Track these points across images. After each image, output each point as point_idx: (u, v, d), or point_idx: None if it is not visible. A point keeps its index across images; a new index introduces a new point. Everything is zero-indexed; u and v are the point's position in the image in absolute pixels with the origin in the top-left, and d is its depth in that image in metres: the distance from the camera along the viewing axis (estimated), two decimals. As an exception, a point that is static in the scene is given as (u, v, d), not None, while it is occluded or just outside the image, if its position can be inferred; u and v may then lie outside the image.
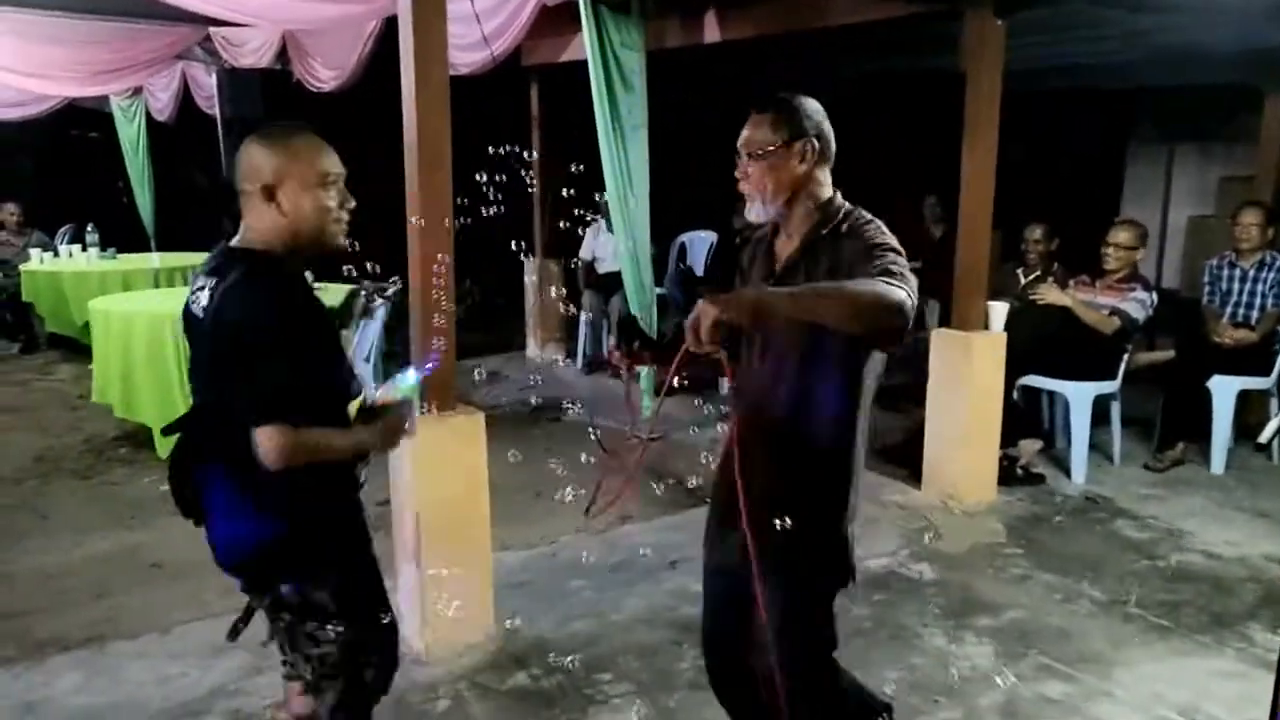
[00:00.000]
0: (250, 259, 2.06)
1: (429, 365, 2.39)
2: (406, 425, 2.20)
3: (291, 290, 2.07)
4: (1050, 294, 5.13)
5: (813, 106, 2.16)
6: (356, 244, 2.30)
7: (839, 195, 2.18)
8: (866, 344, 2.05)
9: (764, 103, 2.16)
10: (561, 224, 7.24)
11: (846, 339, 1.99)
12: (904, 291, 1.85)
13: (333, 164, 2.10)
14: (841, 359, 2.08)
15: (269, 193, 2.03)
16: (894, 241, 2.06)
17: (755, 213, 2.18)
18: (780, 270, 2.17)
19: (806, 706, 2.26)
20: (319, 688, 2.19)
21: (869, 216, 2.14)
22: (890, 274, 1.91)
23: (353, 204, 2.14)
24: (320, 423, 2.05)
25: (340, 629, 2.15)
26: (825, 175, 2.17)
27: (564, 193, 3.31)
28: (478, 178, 2.77)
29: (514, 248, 2.65)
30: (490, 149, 2.76)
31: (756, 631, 2.25)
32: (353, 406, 2.20)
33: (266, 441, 1.94)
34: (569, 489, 3.44)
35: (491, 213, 2.63)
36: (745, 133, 2.15)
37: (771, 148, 2.10)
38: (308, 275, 2.20)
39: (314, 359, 2.05)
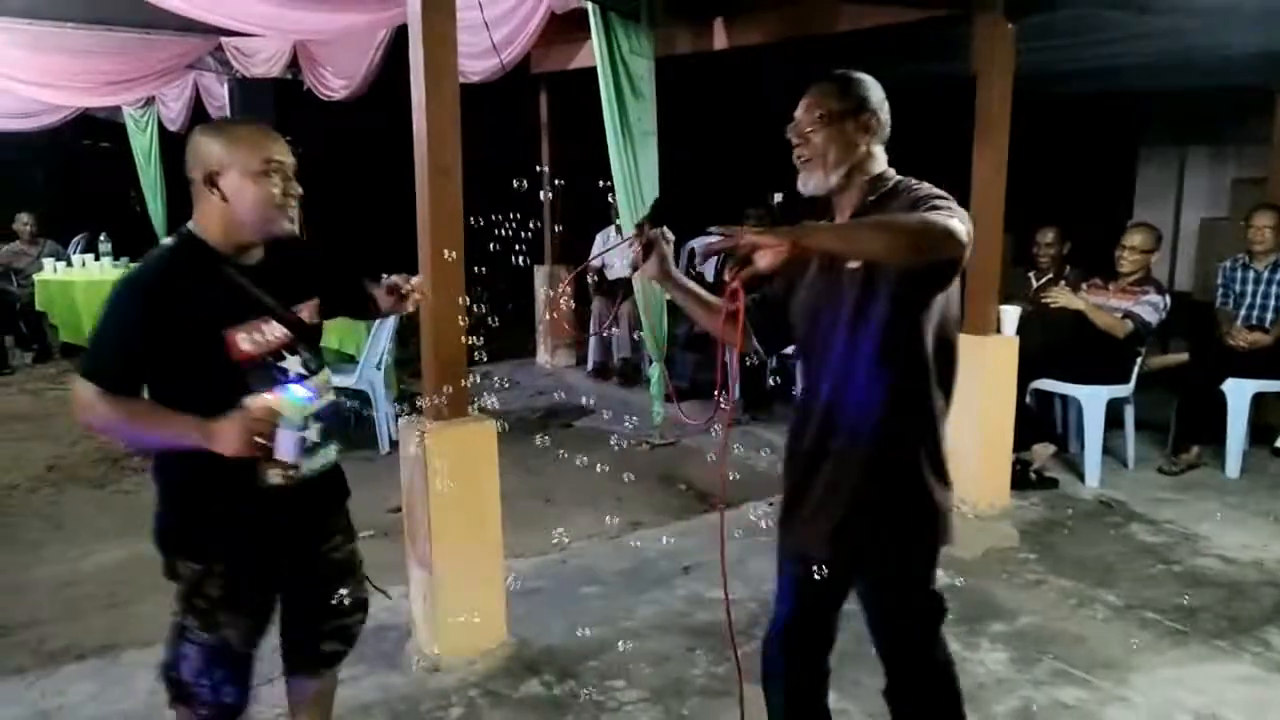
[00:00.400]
0: (179, 237, 2.15)
1: (314, 373, 2.24)
2: (266, 439, 2.02)
3: (182, 271, 2.09)
4: (1062, 297, 5.11)
5: (874, 83, 2.14)
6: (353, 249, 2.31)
7: (891, 171, 2.14)
8: (922, 281, 1.95)
9: (827, 75, 2.14)
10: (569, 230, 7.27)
11: (908, 290, 1.94)
12: (955, 219, 1.82)
13: (276, 151, 2.12)
14: (903, 313, 1.99)
15: (211, 181, 2.09)
16: (941, 192, 2.00)
17: (813, 184, 2.12)
18: None
19: (927, 681, 2.25)
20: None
21: (916, 182, 2.09)
22: (937, 209, 1.88)
23: (298, 192, 2.16)
24: (173, 405, 2.07)
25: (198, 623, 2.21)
26: (881, 152, 2.14)
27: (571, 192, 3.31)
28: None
29: (520, 257, 2.63)
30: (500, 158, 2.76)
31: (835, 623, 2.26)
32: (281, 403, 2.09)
33: (75, 393, 2.06)
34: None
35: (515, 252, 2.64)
36: (809, 99, 2.12)
37: (840, 114, 2.07)
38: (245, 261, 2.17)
39: (182, 343, 2.05)
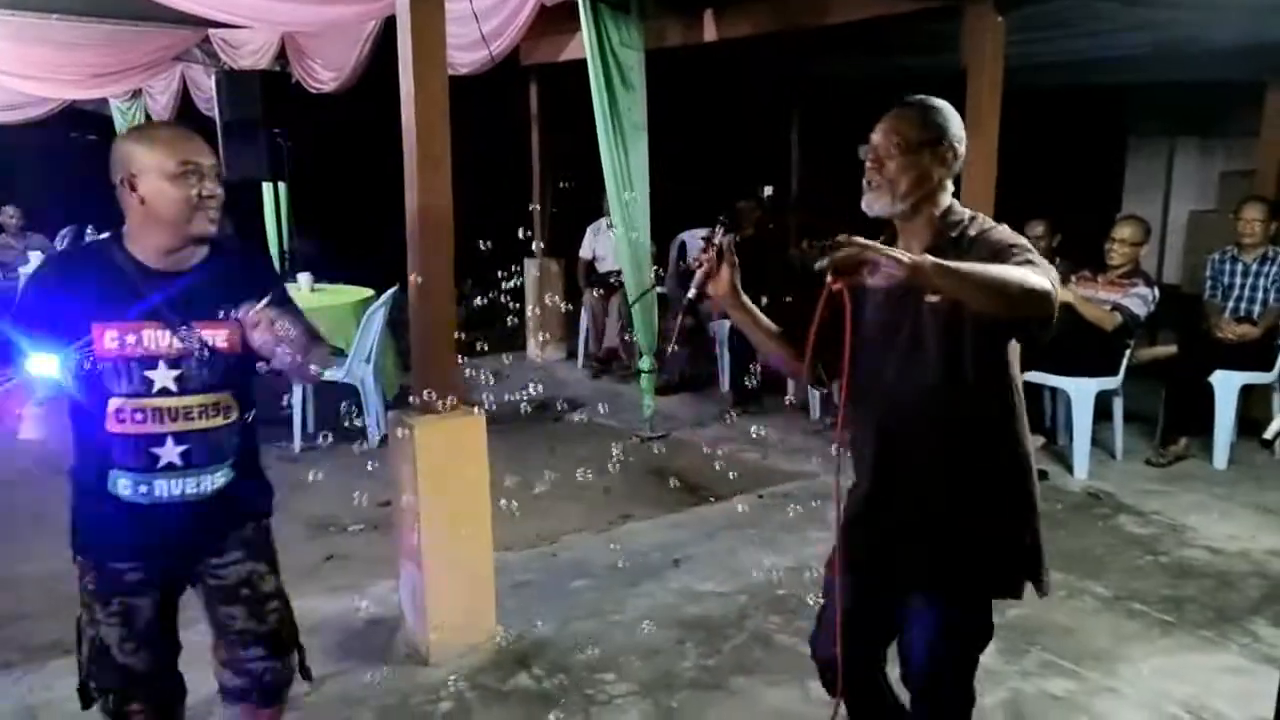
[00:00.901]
0: (107, 236, 2.22)
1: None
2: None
3: (75, 259, 2.21)
4: None
5: (956, 115, 2.12)
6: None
7: (958, 204, 2.12)
8: (1013, 332, 2.00)
9: (912, 100, 2.11)
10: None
11: (994, 329, 1.95)
12: (1049, 280, 1.81)
13: (192, 153, 2.12)
14: (989, 349, 2.01)
15: (130, 183, 2.11)
16: (1026, 242, 2.00)
17: (878, 207, 2.08)
18: None
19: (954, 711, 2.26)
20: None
21: (993, 221, 2.09)
22: (1033, 264, 1.87)
23: (217, 192, 2.15)
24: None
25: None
26: (950, 187, 2.11)
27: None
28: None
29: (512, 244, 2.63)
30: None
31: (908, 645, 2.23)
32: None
33: None
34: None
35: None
36: (887, 124, 2.07)
37: (918, 144, 2.04)
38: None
39: (55, 330, 2.09)
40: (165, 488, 2.16)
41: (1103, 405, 5.12)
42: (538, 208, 7.90)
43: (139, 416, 2.12)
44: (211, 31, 6.71)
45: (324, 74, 6.38)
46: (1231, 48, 5.74)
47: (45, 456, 5.27)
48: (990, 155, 4.40)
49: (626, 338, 7.13)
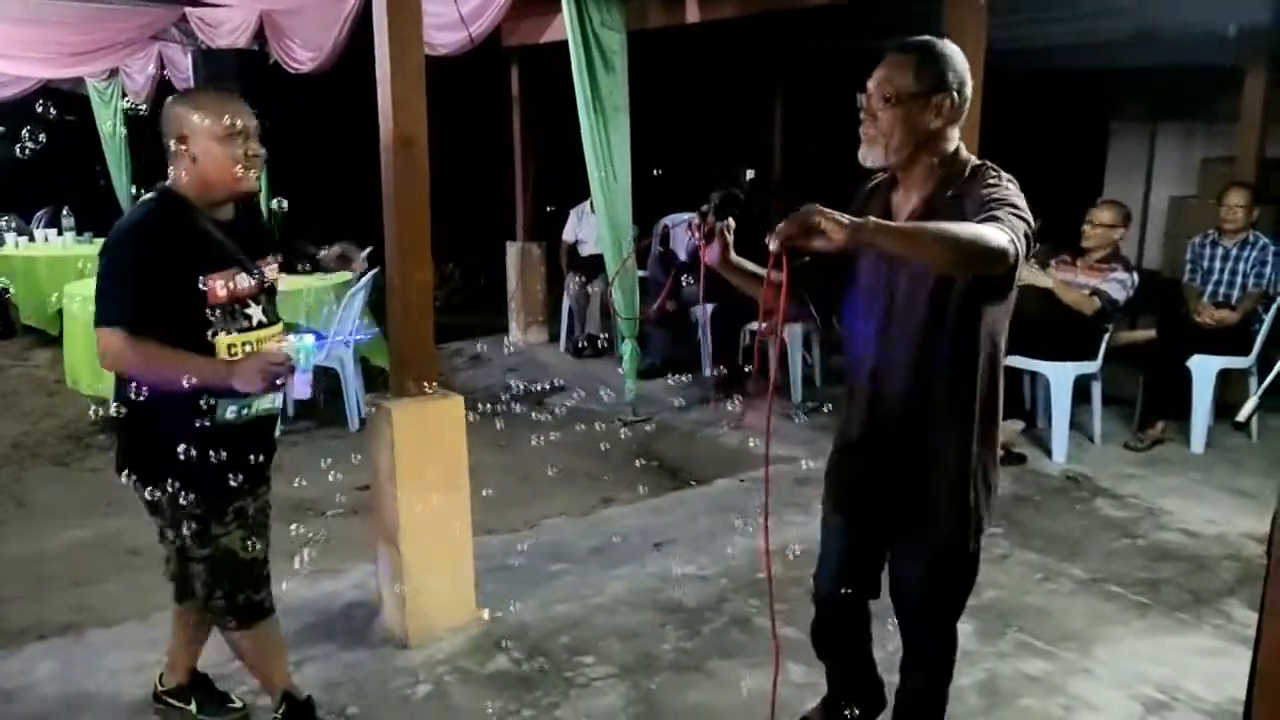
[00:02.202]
0: (159, 193, 2.39)
1: (337, 339, 2.54)
2: (279, 379, 2.32)
3: (168, 221, 2.32)
4: (1029, 275, 5.11)
5: (958, 57, 2.03)
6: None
7: (964, 149, 2.08)
8: (975, 288, 2.00)
9: (908, 44, 2.03)
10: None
11: (964, 287, 1.99)
12: (1006, 235, 1.78)
13: (238, 115, 2.34)
14: (960, 309, 2.04)
15: (182, 144, 2.33)
16: (1014, 193, 1.97)
17: (872, 159, 2.05)
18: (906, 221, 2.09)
19: (940, 651, 2.36)
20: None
21: (997, 171, 2.05)
22: (996, 219, 1.84)
23: (261, 152, 2.39)
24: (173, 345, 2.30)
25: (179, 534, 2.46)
26: (955, 131, 2.06)
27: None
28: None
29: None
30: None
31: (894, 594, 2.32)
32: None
33: (101, 342, 2.27)
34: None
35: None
36: (881, 72, 2.01)
37: (909, 95, 1.98)
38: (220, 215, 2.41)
39: (168, 285, 2.28)
40: (259, 405, 2.47)
41: (1082, 389, 5.15)
42: (520, 191, 7.86)
43: (248, 348, 2.39)
44: (189, 10, 6.63)
45: (302, 54, 6.30)
46: (1212, 33, 5.75)
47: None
48: (971, 137, 4.37)
49: (605, 326, 7.13)
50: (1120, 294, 5.00)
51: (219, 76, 5.60)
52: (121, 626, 3.39)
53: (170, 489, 2.37)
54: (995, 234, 1.77)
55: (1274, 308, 5.26)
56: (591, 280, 7.22)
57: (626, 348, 5.70)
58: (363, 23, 5.46)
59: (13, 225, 8.41)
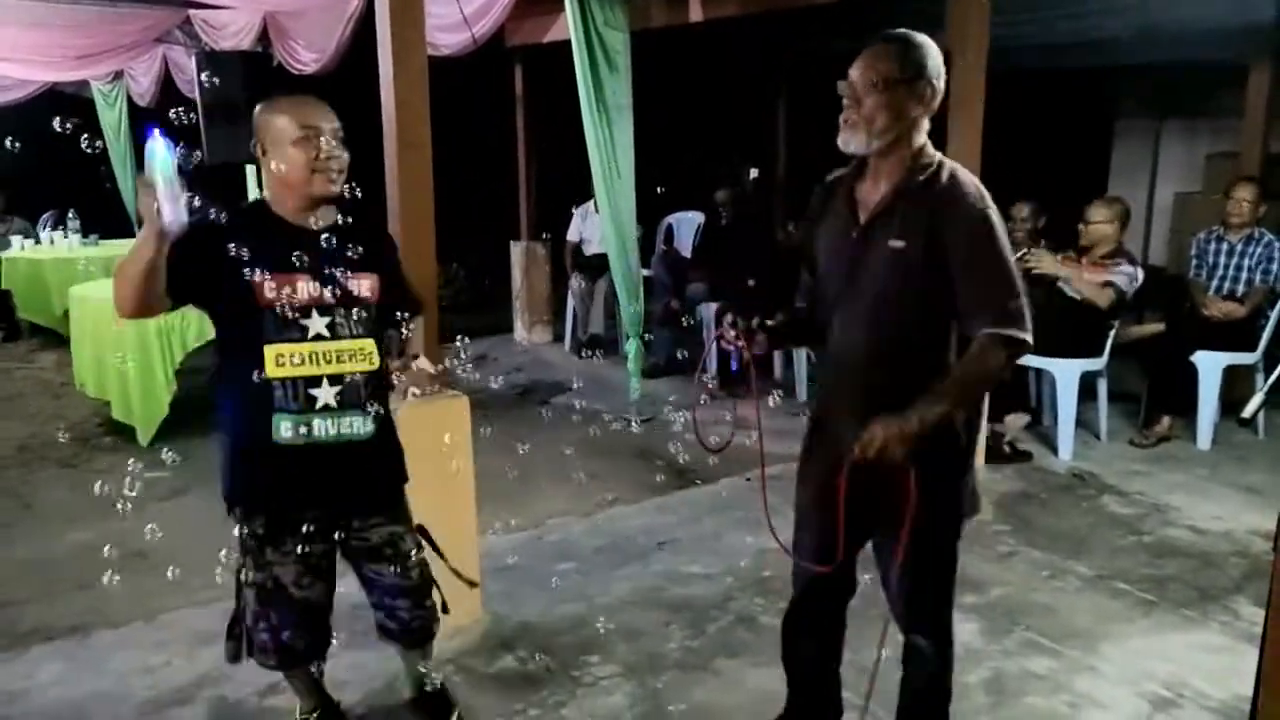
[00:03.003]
0: (252, 201, 2.46)
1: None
2: (157, 203, 2.01)
3: (235, 219, 2.26)
4: (1045, 262, 5.07)
5: (936, 49, 2.11)
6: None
7: (929, 147, 2.15)
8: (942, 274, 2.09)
9: (890, 35, 2.10)
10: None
11: (945, 309, 2.08)
12: (1021, 338, 2.05)
13: (312, 118, 2.28)
14: (942, 309, 2.11)
15: (264, 149, 2.31)
16: (999, 237, 2.08)
17: (854, 145, 2.11)
18: (868, 219, 2.15)
19: (934, 641, 2.36)
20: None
21: (967, 175, 2.13)
22: (1009, 315, 2.04)
23: (339, 155, 2.30)
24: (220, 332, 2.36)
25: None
26: (926, 125, 2.13)
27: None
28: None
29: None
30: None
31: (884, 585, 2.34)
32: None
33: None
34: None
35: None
36: (865, 60, 2.08)
37: (894, 81, 2.05)
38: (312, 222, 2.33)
39: (217, 278, 2.23)
40: (322, 427, 2.33)
41: (1087, 386, 5.14)
42: (524, 190, 7.87)
43: (296, 359, 2.29)
44: (193, 13, 6.64)
45: (306, 55, 6.31)
46: (1216, 29, 5.73)
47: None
48: (975, 135, 4.39)
49: (610, 326, 7.13)
50: (1126, 287, 4.98)
51: (224, 79, 5.59)
52: (128, 628, 3.40)
53: (233, 510, 2.39)
54: (1009, 351, 2.05)
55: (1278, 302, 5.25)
56: (596, 279, 7.23)
57: (631, 347, 5.70)
58: (366, 24, 5.47)
59: (18, 228, 8.45)
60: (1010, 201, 5.86)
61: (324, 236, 2.31)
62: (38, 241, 8.36)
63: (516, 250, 7.96)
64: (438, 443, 3.17)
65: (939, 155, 2.14)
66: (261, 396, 2.29)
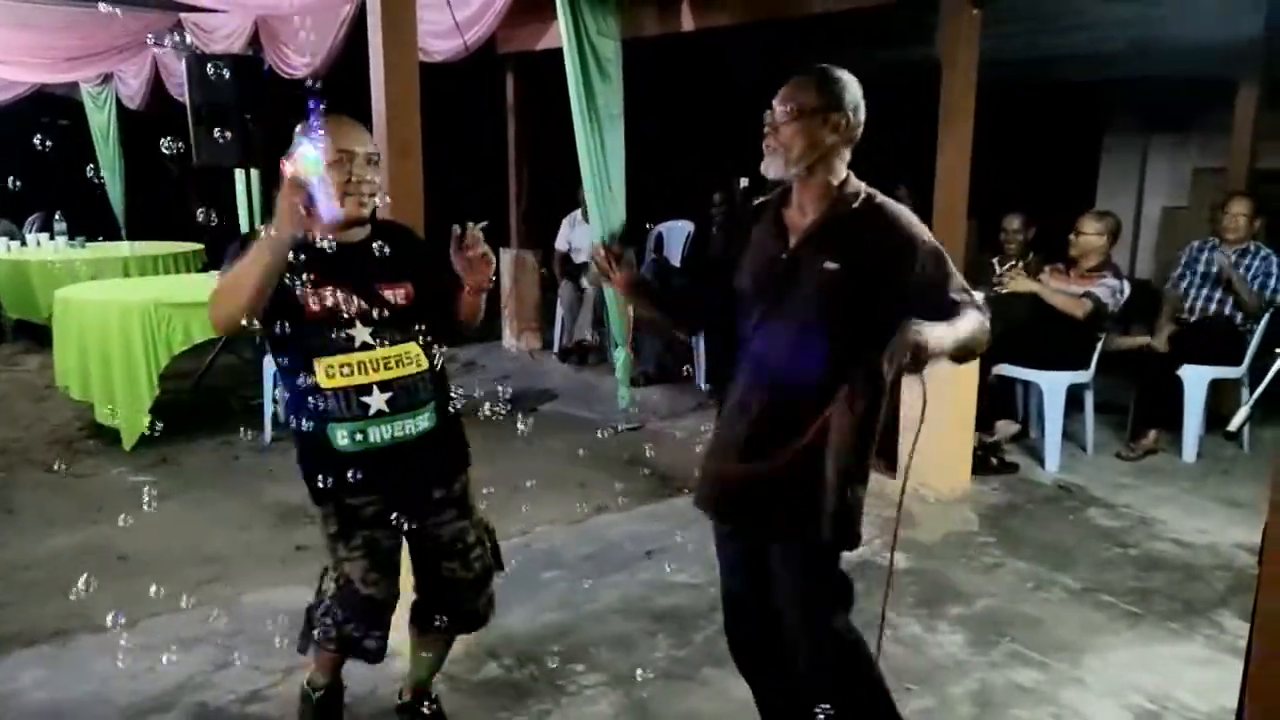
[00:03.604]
0: None
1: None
2: (306, 205, 2.13)
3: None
4: (1017, 283, 5.12)
5: (855, 84, 2.20)
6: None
7: (853, 177, 2.24)
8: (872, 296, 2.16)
9: (811, 69, 2.20)
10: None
11: (880, 315, 2.07)
12: (983, 312, 2.19)
13: (345, 142, 2.33)
14: (866, 333, 2.12)
15: None
16: (948, 260, 2.21)
17: (774, 170, 2.21)
18: (797, 242, 2.22)
19: (825, 664, 2.34)
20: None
21: (889, 200, 2.22)
22: (967, 291, 2.17)
23: (368, 178, 2.37)
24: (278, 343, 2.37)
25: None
26: (846, 155, 2.22)
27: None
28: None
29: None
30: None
31: (775, 595, 2.34)
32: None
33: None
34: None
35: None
36: (785, 91, 2.19)
37: (811, 111, 2.14)
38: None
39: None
40: (378, 433, 2.40)
41: (1074, 398, 5.16)
42: (514, 198, 7.86)
43: (346, 370, 2.36)
44: (184, 16, 6.63)
45: (297, 60, 6.31)
46: (1204, 45, 5.78)
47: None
48: (964, 147, 4.41)
49: (597, 334, 7.14)
50: (1109, 298, 5.01)
51: (214, 82, 5.58)
52: (110, 633, 3.35)
53: (316, 510, 2.48)
54: (982, 318, 2.17)
55: (1265, 318, 5.28)
56: (584, 288, 7.23)
57: (619, 355, 5.70)
58: (358, 28, 5.47)
59: (3, 230, 8.40)
60: (1000, 213, 5.89)
61: (361, 249, 2.39)
62: (23, 243, 8.31)
63: (506, 258, 7.96)
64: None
65: (863, 186, 2.24)
66: (317, 407, 2.37)
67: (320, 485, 2.41)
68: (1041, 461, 5.10)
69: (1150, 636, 3.42)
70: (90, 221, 8.68)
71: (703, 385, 6.62)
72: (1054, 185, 8.62)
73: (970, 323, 2.13)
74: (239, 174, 6.96)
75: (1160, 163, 9.43)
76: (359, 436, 2.38)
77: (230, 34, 6.52)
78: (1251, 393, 1.92)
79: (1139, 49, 6.33)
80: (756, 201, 2.40)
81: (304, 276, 2.30)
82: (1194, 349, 5.27)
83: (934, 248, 2.19)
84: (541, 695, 3.02)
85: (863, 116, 2.20)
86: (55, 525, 4.33)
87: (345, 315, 2.35)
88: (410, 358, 2.45)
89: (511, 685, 3.08)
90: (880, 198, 2.23)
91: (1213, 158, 8.17)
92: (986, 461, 4.96)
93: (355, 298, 2.37)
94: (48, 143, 2.43)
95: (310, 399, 2.36)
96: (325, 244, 2.29)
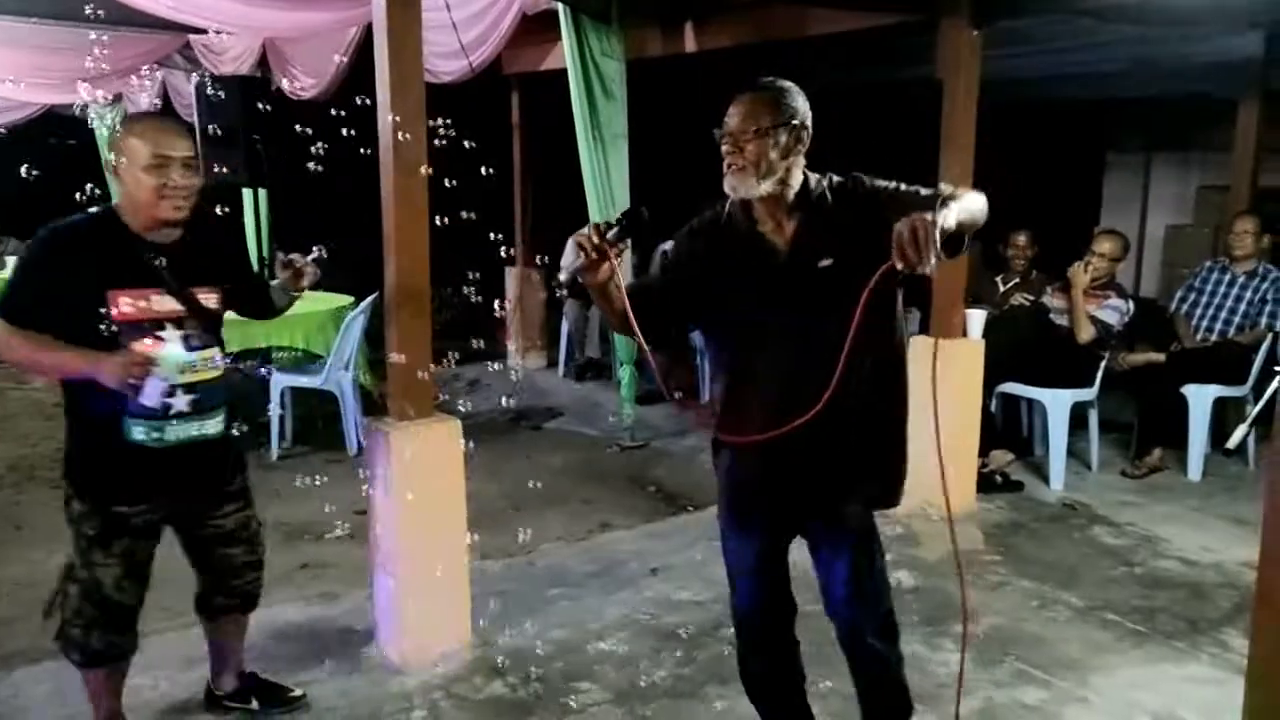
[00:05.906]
0: (102, 207, 2.49)
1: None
2: (138, 381, 2.27)
3: (89, 234, 2.41)
4: (1078, 278, 5.08)
5: (801, 92, 2.24)
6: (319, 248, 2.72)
7: (808, 173, 2.27)
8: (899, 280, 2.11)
9: (763, 84, 2.22)
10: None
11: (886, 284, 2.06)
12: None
13: (165, 146, 2.39)
14: (881, 306, 2.16)
15: (115, 168, 2.42)
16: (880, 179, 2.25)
17: (743, 190, 2.19)
18: (788, 253, 2.23)
19: (895, 645, 2.48)
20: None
21: (836, 175, 2.28)
22: (948, 194, 2.09)
23: (186, 183, 2.41)
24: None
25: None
26: (803, 160, 2.25)
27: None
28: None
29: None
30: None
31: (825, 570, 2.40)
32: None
33: None
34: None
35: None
36: (744, 107, 2.18)
37: (775, 125, 2.16)
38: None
39: (71, 294, 2.36)
40: (176, 432, 2.46)
41: (1078, 417, 5.16)
42: (519, 216, 7.90)
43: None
44: (192, 37, 6.69)
45: (305, 80, 6.36)
46: (1207, 64, 5.80)
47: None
48: (966, 166, 4.43)
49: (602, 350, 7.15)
50: (1115, 320, 5.02)
51: (222, 103, 5.64)
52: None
53: (70, 504, 2.48)
54: (976, 194, 2.16)
55: (1269, 337, 5.28)
56: (590, 305, 7.25)
57: (624, 372, 5.71)
58: (365, 50, 5.52)
59: (9, 248, 8.46)
60: (1004, 232, 5.91)
61: (175, 249, 2.47)
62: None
63: (511, 275, 7.99)
64: (430, 466, 3.18)
65: (815, 174, 2.27)
66: (116, 400, 2.37)
67: (91, 480, 2.43)
68: (1046, 480, 5.10)
69: (1155, 655, 3.41)
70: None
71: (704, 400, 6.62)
72: (1058, 203, 8.64)
73: (961, 195, 2.08)
74: (247, 194, 7.01)
75: (1164, 180, 9.45)
76: (155, 435, 2.43)
77: (239, 56, 6.58)
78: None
79: (1140, 68, 6.36)
80: (714, 228, 2.35)
81: (114, 275, 2.37)
82: (1198, 368, 5.27)
83: (884, 183, 2.23)
84: (546, 713, 3.02)
85: (811, 125, 2.24)
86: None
87: (156, 316, 2.42)
88: (213, 361, 2.54)
89: (516, 703, 3.09)
90: (832, 176, 2.27)
91: (1216, 175, 8.19)
92: (991, 480, 4.96)
93: (170, 300, 2.44)
94: (36, 172, 2.62)
95: (110, 393, 2.34)
96: (142, 247, 2.40)
